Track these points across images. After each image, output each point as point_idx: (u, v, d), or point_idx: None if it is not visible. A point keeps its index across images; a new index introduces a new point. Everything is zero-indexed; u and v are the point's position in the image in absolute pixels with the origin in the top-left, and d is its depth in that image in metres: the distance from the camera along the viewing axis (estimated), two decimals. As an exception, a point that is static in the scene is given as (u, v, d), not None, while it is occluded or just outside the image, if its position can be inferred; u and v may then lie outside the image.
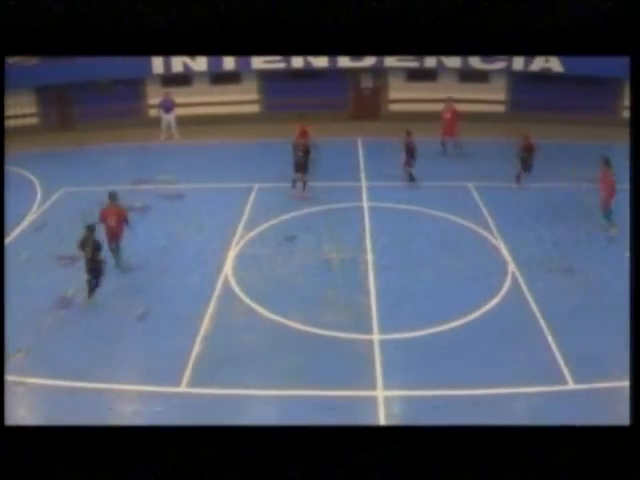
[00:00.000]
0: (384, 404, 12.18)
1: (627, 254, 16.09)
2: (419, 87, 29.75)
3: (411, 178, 22.17)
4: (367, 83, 30.26)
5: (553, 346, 13.81)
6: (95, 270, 15.26)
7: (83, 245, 15.15)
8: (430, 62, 28.50)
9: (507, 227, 19.21)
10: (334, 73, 29.18)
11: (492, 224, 19.47)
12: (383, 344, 13.91)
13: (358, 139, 27.09)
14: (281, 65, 28.49)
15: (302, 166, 21.26)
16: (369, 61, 28.33)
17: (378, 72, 29.83)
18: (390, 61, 28.36)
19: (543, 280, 16.44)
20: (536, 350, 13.83)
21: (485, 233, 18.97)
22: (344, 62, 28.27)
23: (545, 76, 28.72)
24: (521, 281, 16.35)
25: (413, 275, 16.66)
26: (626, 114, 28.79)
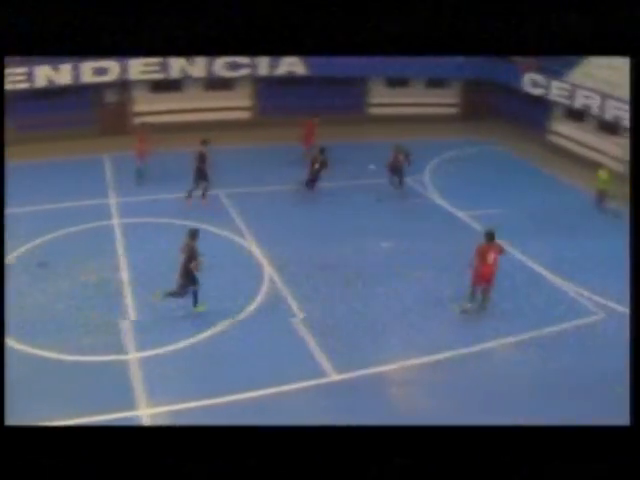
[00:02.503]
0: (151, 421, 12.36)
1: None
2: (165, 98, 29.73)
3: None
4: (111, 97, 29.64)
5: (311, 340, 14.80)
6: (186, 277, 15.51)
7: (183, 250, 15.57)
8: (175, 72, 28.53)
9: (261, 232, 20.01)
10: (78, 89, 28.33)
11: (245, 230, 20.15)
12: (143, 361, 14.04)
13: (105, 156, 26.57)
14: (24, 85, 27.23)
15: (203, 174, 21.58)
16: (112, 75, 27.68)
17: (122, 85, 29.24)
18: (134, 73, 27.97)
19: (301, 277, 17.48)
20: (296, 347, 14.68)
21: (238, 238, 19.58)
22: (87, 77, 27.50)
23: (291, 79, 29.87)
24: (279, 283, 17.21)
25: (169, 288, 16.81)
26: (371, 110, 31.06)
